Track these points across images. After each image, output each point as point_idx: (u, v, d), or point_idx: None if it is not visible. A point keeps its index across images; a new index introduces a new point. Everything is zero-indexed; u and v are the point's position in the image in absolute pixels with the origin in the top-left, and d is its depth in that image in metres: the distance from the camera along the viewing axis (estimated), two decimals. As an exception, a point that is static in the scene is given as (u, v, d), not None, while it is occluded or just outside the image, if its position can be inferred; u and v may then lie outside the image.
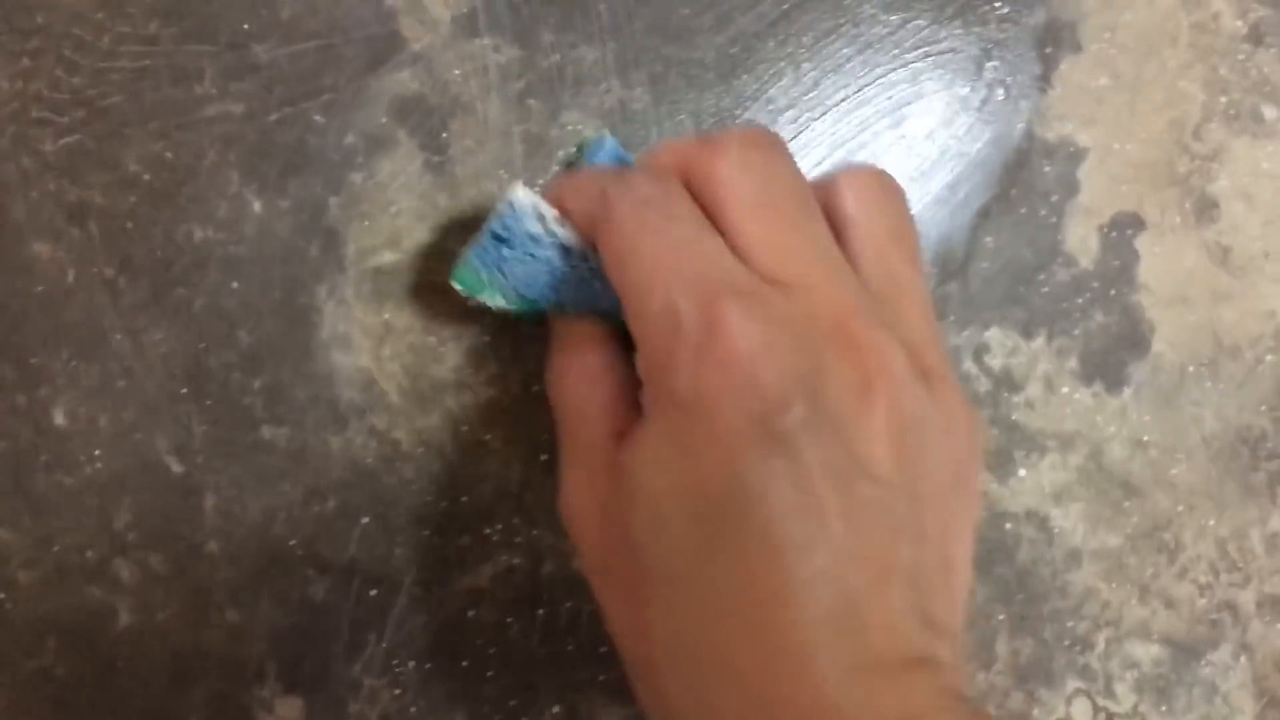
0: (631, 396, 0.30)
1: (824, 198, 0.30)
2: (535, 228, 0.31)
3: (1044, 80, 0.42)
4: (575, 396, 0.30)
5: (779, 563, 0.23)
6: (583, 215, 0.30)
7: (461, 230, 0.38)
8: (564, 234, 0.31)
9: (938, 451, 0.27)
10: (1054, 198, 0.42)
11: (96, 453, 0.36)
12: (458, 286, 0.33)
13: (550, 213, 0.31)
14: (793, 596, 0.23)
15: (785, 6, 0.41)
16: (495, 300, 0.33)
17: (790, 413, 0.24)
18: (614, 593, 0.29)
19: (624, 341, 0.31)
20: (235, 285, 0.37)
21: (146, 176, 0.36)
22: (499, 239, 0.32)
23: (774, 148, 0.29)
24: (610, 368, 0.31)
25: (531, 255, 0.32)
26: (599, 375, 0.30)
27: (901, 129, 0.41)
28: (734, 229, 0.27)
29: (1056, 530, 0.42)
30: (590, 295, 0.32)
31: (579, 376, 0.30)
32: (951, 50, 0.41)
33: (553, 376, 0.32)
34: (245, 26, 0.37)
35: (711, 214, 0.27)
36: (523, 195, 0.31)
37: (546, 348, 0.34)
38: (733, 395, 0.24)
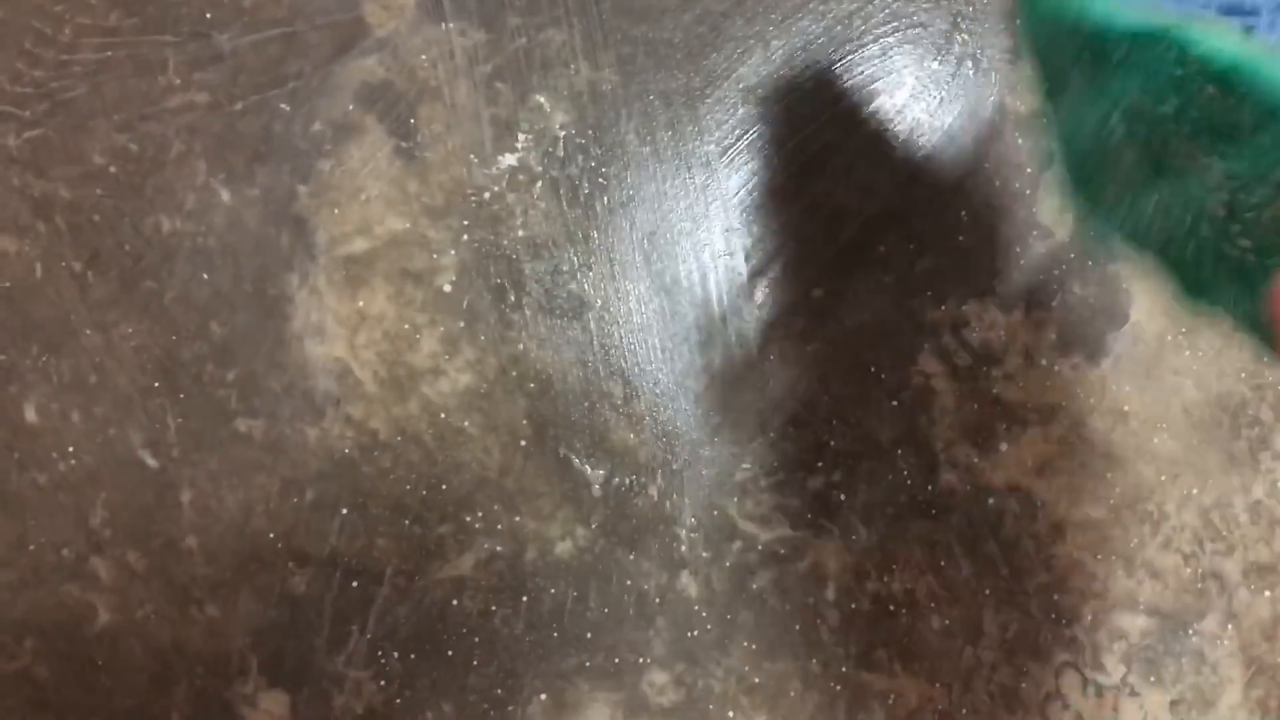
0: None
1: None
2: None
3: (1014, 52, 0.43)
4: None
5: None
6: None
7: (431, 215, 0.38)
8: None
9: None
10: (1028, 170, 0.43)
11: (70, 449, 0.37)
12: None
13: None
14: None
15: (753, -16, 0.42)
16: None
17: None
18: None
19: None
20: (206, 277, 0.37)
21: (112, 169, 0.37)
22: None
23: None
24: None
25: None
26: None
27: (874, 105, 0.42)
28: None
29: (1040, 503, 0.43)
30: None
31: None
32: (921, 25, 0.43)
33: None
34: (208, 15, 0.38)
35: None
36: None
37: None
38: None
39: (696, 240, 0.40)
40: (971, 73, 0.43)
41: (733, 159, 0.41)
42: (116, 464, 0.37)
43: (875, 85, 0.42)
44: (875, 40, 0.42)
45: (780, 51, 0.42)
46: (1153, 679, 0.44)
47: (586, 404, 0.40)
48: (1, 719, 0.37)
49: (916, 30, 0.43)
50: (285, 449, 0.38)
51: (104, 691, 0.37)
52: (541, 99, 0.40)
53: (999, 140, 0.43)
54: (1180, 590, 0.44)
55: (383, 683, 0.39)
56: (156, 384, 0.37)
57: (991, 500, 0.43)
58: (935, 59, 0.43)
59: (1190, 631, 0.44)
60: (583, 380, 0.40)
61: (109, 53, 0.37)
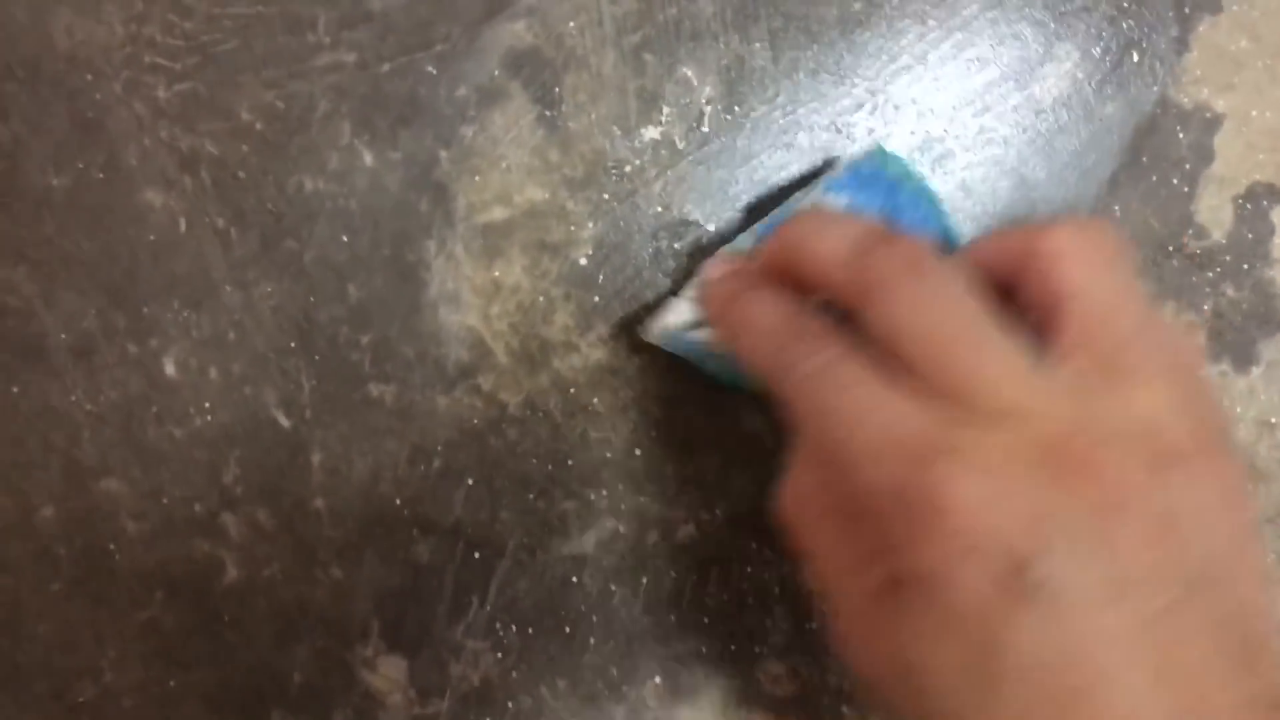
0: None
1: (1026, 267, 0.29)
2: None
3: (1181, 42, 0.42)
4: (827, 540, 0.29)
5: (1089, 708, 0.24)
6: (760, 360, 0.31)
7: (571, 186, 0.39)
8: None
9: (1212, 527, 0.26)
10: (1187, 166, 0.42)
11: (206, 405, 0.38)
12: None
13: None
14: None
15: (911, -40, 0.41)
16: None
17: (1041, 562, 0.23)
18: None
19: None
20: (345, 239, 0.38)
21: (259, 126, 0.38)
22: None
23: (940, 271, 0.28)
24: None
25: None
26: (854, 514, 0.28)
27: (1029, 90, 0.42)
28: (923, 371, 0.26)
29: (1176, 513, 0.42)
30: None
31: (833, 520, 0.29)
32: (1085, 8, 0.42)
33: (798, 505, 0.30)
34: (360, -27, 0.38)
35: (895, 356, 0.27)
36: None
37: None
38: (974, 560, 0.24)
39: (839, 224, 0.40)
40: (1135, 61, 0.42)
41: (881, 142, 0.41)
42: (251, 422, 0.38)
43: (1033, 70, 0.42)
44: (1035, 24, 0.42)
45: (936, 31, 0.41)
46: (1280, 700, 0.44)
47: (719, 387, 0.40)
48: (127, 665, 0.38)
49: (1080, 14, 0.42)
50: (415, 416, 0.39)
51: (228, 646, 0.38)
52: (689, 71, 0.40)
53: (1158, 133, 0.42)
54: (1317, 611, 0.44)
55: (500, 655, 0.39)
56: (292, 344, 0.38)
57: (1125, 507, 0.42)
58: (1097, 45, 0.42)
59: (1324, 654, 0.44)
60: (714, 362, 0.40)
61: (260, 8, 0.37)
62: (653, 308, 0.38)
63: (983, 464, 0.24)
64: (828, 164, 0.40)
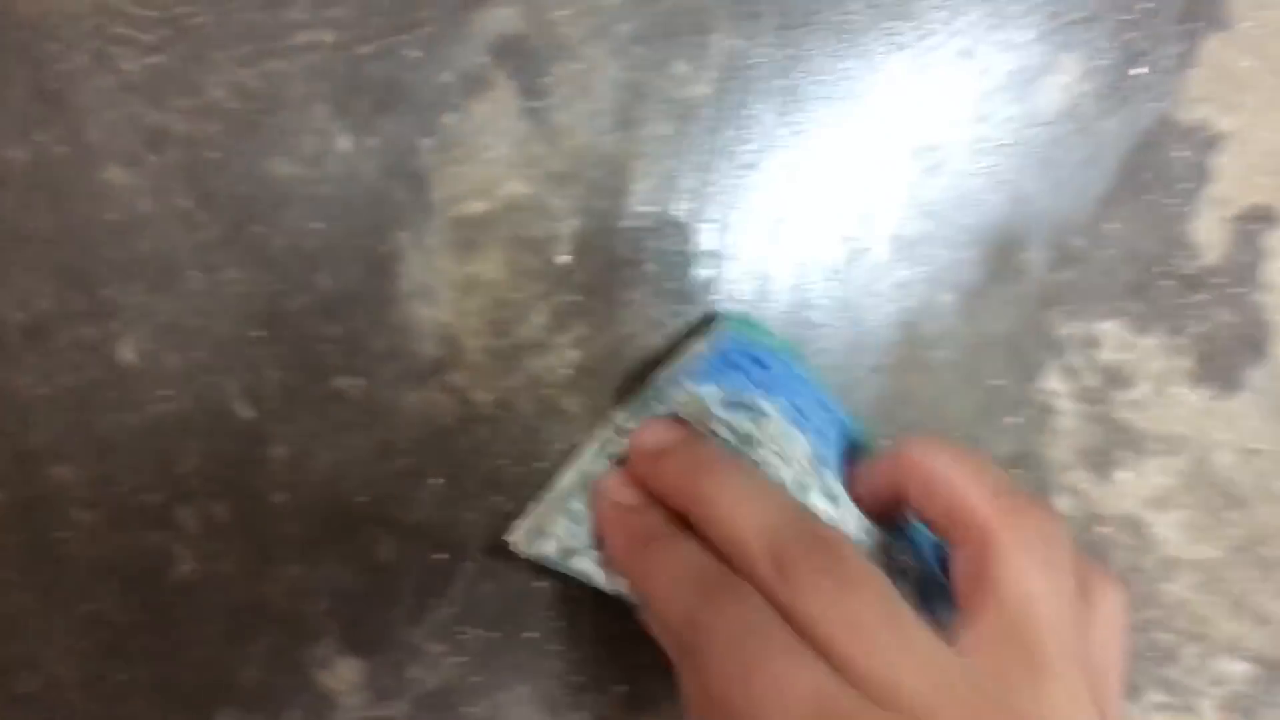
0: None
1: (954, 521, 0.30)
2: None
3: (1185, 58, 0.41)
4: None
5: None
6: (669, 611, 0.31)
7: (555, 182, 0.38)
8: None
9: None
10: (1185, 185, 0.42)
11: (164, 393, 0.36)
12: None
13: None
14: None
15: (915, -40, 0.40)
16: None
17: None
18: None
19: None
20: (317, 226, 0.37)
21: (231, 104, 0.36)
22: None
23: (860, 571, 0.28)
24: None
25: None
26: None
27: (1026, 102, 0.41)
28: (835, 655, 0.27)
29: (1153, 538, 0.42)
30: None
31: None
32: (1089, 19, 0.41)
33: None
34: (342, -52, 0.37)
35: (807, 635, 0.27)
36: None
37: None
38: None
39: (827, 226, 0.39)
40: (1136, 76, 0.41)
41: (876, 144, 0.40)
42: (210, 412, 0.37)
43: (1034, 82, 0.41)
44: (1039, 34, 0.41)
45: (935, 36, 0.40)
46: (1247, 729, 0.44)
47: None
48: (72, 661, 0.37)
49: (1082, 25, 0.41)
50: (382, 412, 0.38)
51: (178, 641, 0.37)
52: (683, 66, 0.38)
53: (1158, 151, 0.41)
54: (1288, 641, 0.44)
55: (460, 659, 0.39)
56: (257, 333, 0.37)
57: (1103, 529, 0.42)
58: (1100, 58, 0.41)
59: (1293, 684, 0.44)
60: (693, 367, 0.39)
61: (236, -20, 0.36)
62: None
63: None
64: (706, 320, 0.39)
